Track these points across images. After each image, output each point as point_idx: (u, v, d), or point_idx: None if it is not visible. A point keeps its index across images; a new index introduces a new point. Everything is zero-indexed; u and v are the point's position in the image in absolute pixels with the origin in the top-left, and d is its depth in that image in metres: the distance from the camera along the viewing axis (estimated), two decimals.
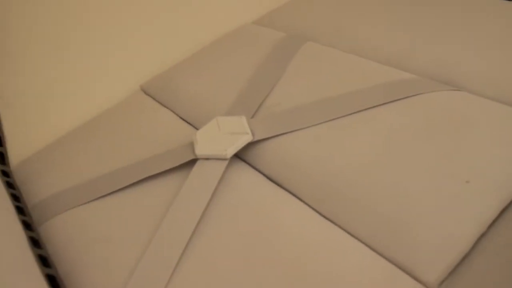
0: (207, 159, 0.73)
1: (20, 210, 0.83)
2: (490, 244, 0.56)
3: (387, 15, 1.05)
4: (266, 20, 1.19)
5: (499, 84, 0.78)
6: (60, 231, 0.77)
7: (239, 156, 0.76)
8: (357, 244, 0.57)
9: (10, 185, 0.91)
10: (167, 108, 0.96)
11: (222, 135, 0.75)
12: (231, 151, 0.72)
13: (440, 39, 0.92)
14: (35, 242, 0.75)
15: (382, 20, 1.04)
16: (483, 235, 0.56)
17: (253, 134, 0.75)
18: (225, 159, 0.71)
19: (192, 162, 0.74)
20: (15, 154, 1.02)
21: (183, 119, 0.91)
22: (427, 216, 0.57)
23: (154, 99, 1.01)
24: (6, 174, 0.95)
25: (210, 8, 1.33)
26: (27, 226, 0.78)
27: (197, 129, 0.85)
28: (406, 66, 0.87)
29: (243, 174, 0.73)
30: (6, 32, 1.29)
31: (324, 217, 0.62)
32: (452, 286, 0.53)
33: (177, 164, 0.75)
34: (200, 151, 0.73)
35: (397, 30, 0.98)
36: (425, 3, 1.07)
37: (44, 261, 0.70)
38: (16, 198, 0.87)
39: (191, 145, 0.76)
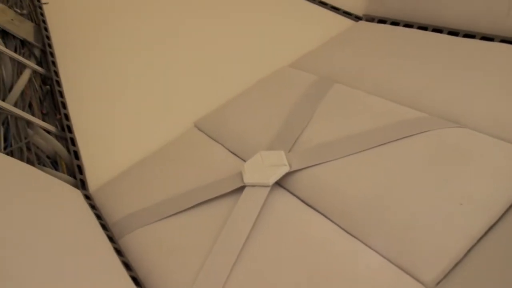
0: (253, 186, 0.91)
1: (103, 226, 1.04)
2: (479, 254, 0.71)
3: (402, 59, 1.22)
4: (300, 64, 1.38)
5: (498, 122, 0.93)
6: (136, 244, 0.96)
7: (279, 183, 0.94)
8: (370, 252, 0.74)
9: (92, 207, 1.12)
10: (218, 142, 1.15)
11: (265, 167, 0.93)
12: (272, 180, 0.90)
13: (448, 81, 1.08)
14: (118, 252, 0.95)
15: (399, 63, 1.21)
16: (473, 247, 0.71)
17: (290, 166, 0.92)
18: (267, 186, 0.89)
19: (241, 189, 0.93)
20: (93, 181, 1.24)
21: (232, 152, 1.10)
22: (428, 230, 0.73)
23: (206, 134, 1.21)
24: (88, 197, 1.17)
25: (254, 53, 1.54)
26: (110, 239, 0.99)
27: (244, 160, 1.03)
28: (418, 105, 1.03)
29: (282, 198, 0.90)
30: (85, 75, 1.55)
31: (346, 231, 0.79)
32: (446, 286, 0.68)
33: (229, 190, 0.93)
34: (247, 179, 0.92)
35: (410, 72, 1.15)
36: (436, 48, 1.23)
37: (126, 266, 0.90)
38: (98, 217, 1.08)
39: (240, 175, 0.95)
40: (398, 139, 0.92)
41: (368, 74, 1.21)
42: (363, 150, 0.92)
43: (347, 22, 1.58)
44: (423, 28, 1.38)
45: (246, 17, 1.72)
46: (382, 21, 1.50)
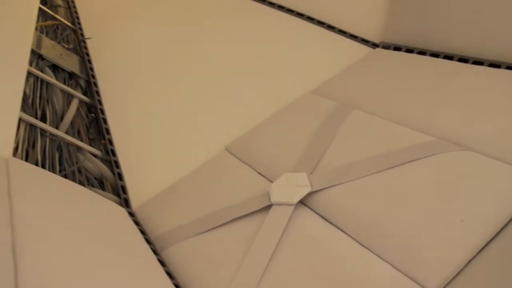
0: (279, 204, 1.03)
1: (147, 240, 1.18)
2: (478, 265, 0.80)
3: (415, 85, 1.33)
4: (322, 90, 1.50)
5: (501, 145, 1.03)
6: (177, 256, 1.10)
7: (302, 202, 1.05)
8: (382, 263, 0.85)
9: (136, 223, 1.27)
10: (247, 165, 1.28)
11: (290, 187, 1.06)
12: (296, 199, 1.02)
13: (456, 106, 1.18)
14: (162, 263, 1.08)
15: (411, 89, 1.32)
16: (473, 258, 0.81)
17: (312, 186, 1.04)
18: (292, 205, 1.01)
19: (269, 207, 1.05)
20: (135, 200, 1.38)
21: (260, 174, 1.23)
22: (433, 243, 0.84)
23: (236, 157, 1.34)
24: (131, 214, 1.31)
25: (279, 79, 1.67)
26: (154, 251, 1.12)
27: (271, 181, 1.15)
28: (428, 128, 1.14)
29: (305, 215, 1.02)
30: (126, 103, 1.71)
31: (361, 244, 0.90)
32: None
33: (258, 208, 1.06)
34: (274, 198, 1.04)
35: (422, 98, 1.26)
36: (446, 74, 1.34)
37: (169, 275, 1.03)
38: (142, 232, 1.22)
39: (267, 194, 1.07)
40: (408, 162, 1.02)
41: (383, 100, 1.32)
42: (377, 172, 1.03)
43: (365, 49, 1.70)
44: (435, 55, 1.48)
45: (271, 45, 1.86)
46: (397, 48, 1.62)
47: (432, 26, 1.50)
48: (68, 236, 0.91)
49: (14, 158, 1.14)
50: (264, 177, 1.21)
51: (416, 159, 1.02)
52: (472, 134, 1.08)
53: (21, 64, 1.54)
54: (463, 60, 1.40)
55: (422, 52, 1.53)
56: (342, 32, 1.80)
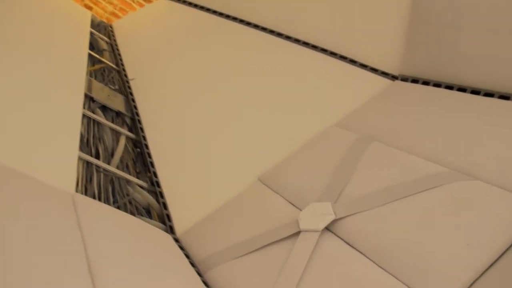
0: (307, 231, 1.17)
1: (191, 263, 1.33)
2: (482, 285, 0.92)
3: (430, 117, 1.46)
4: (345, 123, 1.64)
5: (508, 175, 1.14)
6: (218, 277, 1.25)
7: (328, 228, 1.19)
8: (397, 283, 0.97)
9: (181, 248, 1.43)
10: (278, 194, 1.43)
11: (316, 215, 1.20)
12: (321, 226, 1.16)
13: (466, 137, 1.30)
14: (205, 283, 1.24)
15: (426, 121, 1.44)
16: (477, 279, 0.93)
17: (335, 214, 1.18)
18: (318, 231, 1.15)
19: (298, 233, 1.19)
20: (179, 227, 1.55)
21: (290, 202, 1.37)
22: (442, 265, 0.96)
23: (268, 187, 1.49)
24: (176, 240, 1.48)
25: (306, 112, 1.82)
26: (198, 273, 1.28)
27: (300, 209, 1.30)
28: (440, 158, 1.26)
29: (330, 240, 1.16)
30: (167, 138, 1.89)
31: (379, 266, 1.03)
32: None
33: (288, 234, 1.20)
34: (302, 226, 1.18)
35: (436, 129, 1.38)
36: (459, 106, 1.46)
37: None
38: (187, 256, 1.38)
39: (297, 222, 1.21)
40: (422, 191, 1.15)
41: (401, 132, 1.45)
42: (394, 201, 1.15)
43: (385, 81, 1.84)
44: (450, 87, 1.60)
45: (298, 80, 2.01)
46: (415, 80, 1.74)
47: (446, 60, 1.63)
48: (127, 261, 1.08)
49: (78, 194, 1.33)
50: (294, 205, 1.35)
51: (429, 189, 1.15)
52: (480, 164, 1.20)
53: (77, 108, 1.75)
54: (475, 92, 1.52)
55: (437, 84, 1.65)
56: (363, 66, 1.94)
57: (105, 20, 4.21)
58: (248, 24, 2.41)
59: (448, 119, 1.42)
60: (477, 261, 0.94)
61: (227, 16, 2.52)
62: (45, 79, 1.82)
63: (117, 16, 4.27)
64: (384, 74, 1.87)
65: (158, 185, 1.69)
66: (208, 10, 2.63)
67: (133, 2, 4.25)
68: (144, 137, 1.92)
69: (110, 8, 4.22)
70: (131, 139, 1.92)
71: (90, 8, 4.25)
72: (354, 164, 1.36)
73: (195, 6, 2.70)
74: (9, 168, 1.21)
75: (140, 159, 1.85)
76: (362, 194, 1.23)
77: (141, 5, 4.27)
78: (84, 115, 1.78)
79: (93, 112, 1.86)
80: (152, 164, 1.79)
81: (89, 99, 1.92)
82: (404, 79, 1.79)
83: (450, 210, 1.07)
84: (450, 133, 1.35)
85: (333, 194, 1.27)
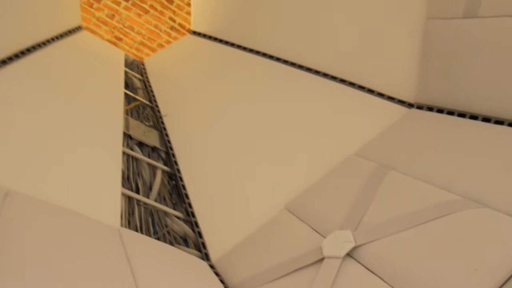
0: (330, 257, 1.29)
1: None
2: None
3: (443, 145, 1.56)
4: (364, 152, 1.76)
5: None
6: None
7: (349, 254, 1.30)
8: None
9: (216, 274, 1.56)
10: (303, 222, 1.55)
11: (338, 242, 1.31)
12: (343, 253, 1.27)
13: (477, 165, 1.40)
14: None
15: (439, 149, 1.55)
16: None
17: (355, 241, 1.29)
18: (339, 258, 1.27)
19: (322, 259, 1.31)
20: (214, 254, 1.68)
21: (314, 230, 1.49)
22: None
23: (294, 215, 1.61)
24: (212, 266, 1.61)
25: (327, 141, 1.94)
26: None
27: (323, 236, 1.41)
28: (453, 186, 1.36)
29: (351, 265, 1.27)
30: (200, 170, 2.04)
31: None
32: None
33: (313, 261, 1.32)
34: (326, 253, 1.30)
35: (449, 157, 1.48)
36: (471, 134, 1.55)
37: None
38: (222, 281, 1.52)
39: (320, 249, 1.33)
40: (434, 219, 1.25)
41: (416, 160, 1.56)
42: (409, 228, 1.26)
43: (402, 109, 1.94)
44: (462, 115, 1.70)
45: (318, 109, 2.14)
46: (430, 108, 1.85)
47: (457, 88, 1.73)
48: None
49: (123, 228, 1.48)
50: (318, 232, 1.47)
51: (441, 217, 1.25)
52: (489, 192, 1.29)
53: (117, 146, 1.93)
54: (486, 119, 1.61)
55: (451, 112, 1.75)
56: (380, 95, 2.06)
57: (134, 51, 4.47)
58: (271, 57, 2.56)
59: (460, 147, 1.52)
60: (485, 285, 1.03)
61: (251, 50, 2.68)
62: (87, 120, 2.00)
63: (145, 45, 4.53)
64: (401, 102, 1.98)
65: (193, 215, 1.84)
66: (232, 44, 2.80)
67: (161, 31, 4.51)
68: (178, 170, 2.07)
69: (139, 38, 4.48)
70: (167, 172, 2.08)
71: (120, 39, 4.52)
72: (372, 193, 1.48)
73: (220, 41, 2.88)
74: (59, 206, 1.38)
75: (176, 191, 2.00)
76: (380, 222, 1.34)
77: (168, 34, 4.52)
78: (123, 153, 1.95)
79: (132, 149, 2.03)
80: (186, 195, 1.94)
81: (127, 137, 2.09)
82: (420, 107, 1.90)
83: (460, 237, 1.17)
84: (462, 161, 1.45)
85: (353, 221, 1.39)
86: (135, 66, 2.95)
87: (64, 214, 1.38)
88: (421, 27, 1.87)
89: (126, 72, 2.71)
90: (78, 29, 2.78)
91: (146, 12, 4.34)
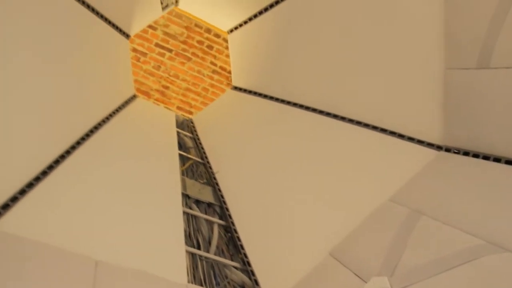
0: None
1: None
2: None
3: (468, 189, 1.71)
4: (397, 197, 1.93)
5: None
6: None
7: None
8: None
9: None
10: (346, 267, 1.74)
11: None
12: None
13: (502, 210, 1.54)
14: None
15: (466, 194, 1.70)
16: None
17: (392, 287, 1.47)
18: None
19: None
20: None
21: (356, 275, 1.67)
22: None
23: (338, 261, 1.80)
24: None
25: (362, 187, 2.13)
26: None
27: (365, 281, 1.59)
28: (479, 231, 1.51)
29: None
30: (252, 222, 2.27)
31: None
32: None
33: None
34: None
35: (475, 202, 1.63)
36: (496, 178, 1.69)
37: None
38: None
39: None
40: (463, 264, 1.41)
41: (444, 205, 1.72)
42: (438, 274, 1.42)
43: (431, 152, 2.10)
44: (487, 157, 1.84)
45: (355, 156, 2.33)
46: (456, 150, 2.00)
47: (480, 132, 1.88)
48: None
49: (191, 285, 1.73)
50: (360, 277, 1.65)
51: (467, 262, 1.40)
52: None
53: (178, 207, 2.20)
54: (509, 162, 1.75)
55: (476, 155, 1.90)
56: (410, 139, 2.23)
57: (181, 97, 4.82)
58: (307, 108, 2.78)
59: (485, 192, 1.67)
60: None
61: (288, 102, 2.92)
62: (150, 185, 2.30)
63: (190, 91, 4.89)
64: (430, 145, 2.14)
65: (249, 264, 2.06)
66: (271, 98, 3.06)
67: (204, 76, 4.86)
68: (232, 223, 2.32)
69: (184, 84, 4.85)
70: (222, 225, 2.33)
71: (167, 87, 4.91)
72: (406, 238, 1.65)
73: (259, 95, 3.15)
74: (127, 267, 1.64)
75: (232, 242, 2.24)
76: (413, 267, 1.51)
77: (210, 78, 4.86)
78: (184, 212, 2.22)
79: (190, 208, 2.30)
80: (242, 246, 2.17)
81: (185, 197, 2.37)
82: (448, 149, 2.05)
83: (485, 281, 1.32)
84: (487, 205, 1.60)
85: (389, 267, 1.56)
86: (185, 126, 3.26)
87: (142, 276, 1.65)
88: (442, 76, 2.05)
89: (178, 133, 3.03)
90: (132, 98, 3.15)
91: (189, 59, 4.71)
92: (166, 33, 4.55)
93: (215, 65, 4.74)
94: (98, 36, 2.71)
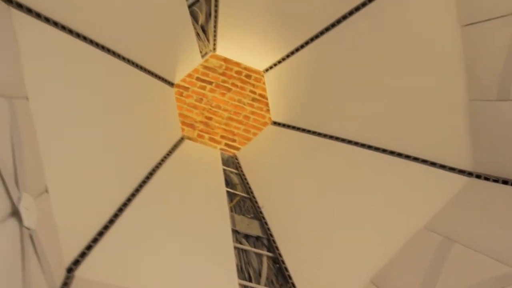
0: None
1: None
2: None
3: (498, 219, 1.82)
4: (431, 225, 2.06)
5: None
6: None
7: None
8: None
9: None
10: None
11: None
12: None
13: None
14: None
15: (496, 222, 1.81)
16: None
17: None
18: None
19: None
20: None
21: None
22: None
23: None
24: None
25: (398, 217, 2.27)
26: None
27: None
28: (507, 259, 1.62)
29: None
30: (299, 252, 2.45)
31: None
32: None
33: None
34: None
35: (503, 231, 1.75)
36: None
37: None
38: None
39: None
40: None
41: (475, 233, 1.84)
42: None
43: (463, 179, 2.22)
44: None
45: (389, 184, 2.48)
46: (486, 177, 2.11)
47: (507, 159, 1.99)
48: None
49: None
50: None
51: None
52: None
53: (229, 243, 2.42)
54: None
55: (505, 181, 2.01)
56: (442, 166, 2.35)
57: (224, 126, 5.06)
58: (343, 140, 2.95)
59: None
60: None
61: (325, 135, 3.10)
62: (202, 224, 2.53)
63: (232, 119, 5.14)
64: (461, 172, 2.26)
65: None
66: (308, 131, 3.25)
67: (244, 104, 5.11)
68: (280, 254, 2.50)
69: (226, 114, 5.11)
70: (270, 257, 2.52)
71: (210, 118, 5.19)
72: (440, 266, 1.78)
73: (297, 129, 3.34)
74: None
75: (280, 273, 2.42)
76: None
77: (251, 105, 5.10)
78: (234, 247, 2.43)
79: (240, 243, 2.51)
80: (289, 276, 2.35)
81: (235, 232, 2.58)
82: (478, 176, 2.16)
83: None
84: None
85: None
86: (230, 162, 3.50)
87: None
88: (467, 106, 2.18)
89: (224, 170, 3.26)
90: (180, 140, 3.43)
91: (229, 90, 4.97)
92: (205, 67, 4.85)
93: (254, 93, 4.97)
94: (148, 89, 3.02)
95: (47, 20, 1.86)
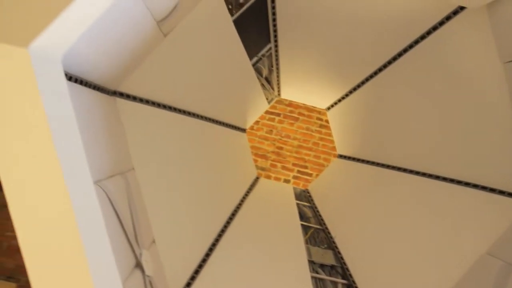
0: None
1: None
2: None
3: None
4: (493, 250, 2.22)
5: None
6: None
7: None
8: None
9: None
10: None
11: None
12: None
13: None
14: None
15: None
16: None
17: None
18: None
19: None
20: None
21: None
22: None
23: None
24: None
25: (465, 243, 2.44)
26: None
27: None
28: None
29: None
30: (370, 273, 2.69)
31: None
32: None
33: None
34: None
35: None
36: None
37: None
38: None
39: None
40: None
41: None
42: None
43: None
44: None
45: (451, 212, 2.65)
46: None
47: None
48: None
49: None
50: None
51: None
52: None
53: (306, 274, 2.71)
54: None
55: None
56: (501, 192, 2.50)
57: (295, 154, 5.37)
58: (404, 170, 3.16)
59: None
60: None
61: (387, 166, 3.32)
62: (280, 256, 2.85)
63: (302, 147, 5.44)
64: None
65: None
66: (372, 163, 3.49)
67: (312, 132, 5.40)
68: (353, 281, 2.75)
69: (296, 142, 5.43)
70: (345, 284, 2.78)
71: (281, 148, 5.54)
72: None
73: (362, 161, 3.59)
74: None
75: None
76: None
77: (319, 132, 5.38)
78: (312, 277, 2.72)
79: (317, 273, 2.79)
80: None
81: (311, 263, 2.87)
82: None
83: None
84: None
85: None
86: (303, 196, 3.81)
87: None
88: None
89: (297, 204, 3.58)
90: (256, 180, 3.80)
91: (296, 119, 5.29)
92: None
93: (321, 120, 5.25)
94: (225, 139, 3.44)
95: (140, 100, 2.33)
